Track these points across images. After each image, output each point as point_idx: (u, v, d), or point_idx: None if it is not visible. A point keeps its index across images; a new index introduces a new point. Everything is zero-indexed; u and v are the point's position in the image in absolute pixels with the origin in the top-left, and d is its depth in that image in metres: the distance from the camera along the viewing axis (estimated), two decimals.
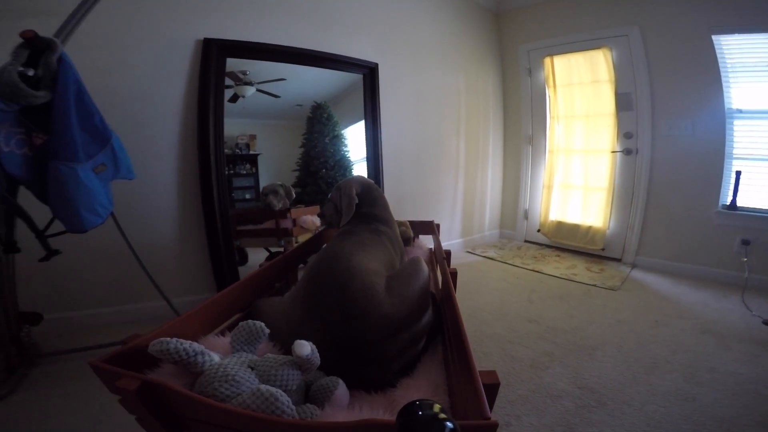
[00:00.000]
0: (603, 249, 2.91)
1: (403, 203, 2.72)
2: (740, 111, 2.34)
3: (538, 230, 3.30)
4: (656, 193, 2.68)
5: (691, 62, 2.44)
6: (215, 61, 1.79)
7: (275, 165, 2.48)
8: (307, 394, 0.65)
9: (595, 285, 2.36)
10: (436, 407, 0.38)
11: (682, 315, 1.95)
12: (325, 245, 1.13)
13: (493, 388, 0.52)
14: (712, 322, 1.87)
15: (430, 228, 1.77)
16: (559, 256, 3.02)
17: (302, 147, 2.52)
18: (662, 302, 2.13)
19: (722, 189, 2.41)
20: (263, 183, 2.40)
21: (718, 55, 2.34)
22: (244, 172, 2.22)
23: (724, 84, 2.35)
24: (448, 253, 1.32)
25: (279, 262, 1.20)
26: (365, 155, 2.56)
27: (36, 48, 1.09)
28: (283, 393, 0.52)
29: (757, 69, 2.26)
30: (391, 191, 2.60)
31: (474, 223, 3.39)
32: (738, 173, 2.35)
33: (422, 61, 2.78)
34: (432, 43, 2.84)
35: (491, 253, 3.09)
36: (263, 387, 0.52)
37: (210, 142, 1.81)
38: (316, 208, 2.34)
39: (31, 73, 1.06)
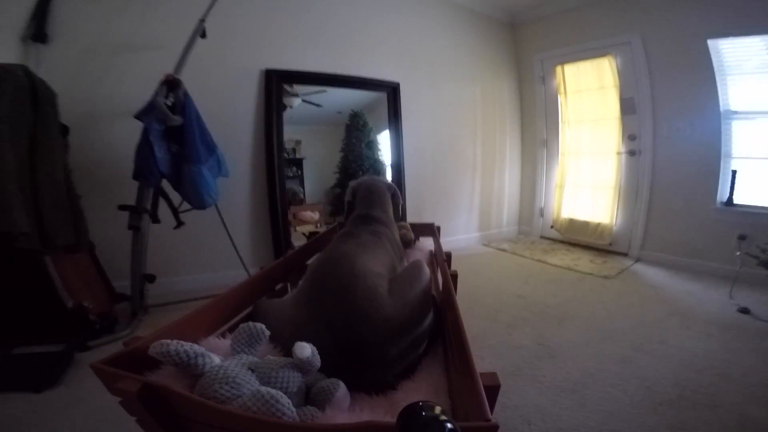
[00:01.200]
0: (610, 244, 3.11)
1: (422, 202, 3.12)
2: (735, 112, 2.48)
3: (552, 226, 3.54)
4: (658, 191, 2.85)
5: (688, 66, 2.60)
6: (275, 86, 2.34)
7: (318, 168, 2.99)
8: (308, 396, 0.65)
9: (591, 274, 2.61)
10: (437, 409, 0.38)
11: (661, 301, 2.17)
12: (326, 247, 1.15)
13: (493, 390, 0.52)
14: (687, 307, 2.06)
15: (430, 230, 1.78)
16: (568, 250, 3.25)
17: (342, 152, 2.95)
18: (649, 290, 2.34)
19: (720, 187, 2.55)
20: (308, 185, 2.95)
21: (713, 59, 2.48)
22: (291, 174, 2.77)
23: (719, 86, 2.49)
24: (449, 256, 1.34)
25: (279, 265, 1.22)
26: (390, 161, 3.00)
27: (171, 85, 1.68)
28: (283, 395, 0.52)
29: (750, 71, 2.39)
30: (412, 192, 3.01)
31: (492, 219, 3.70)
32: (734, 172, 2.48)
33: (439, 76, 3.16)
34: (448, 59, 3.21)
35: (505, 246, 3.40)
36: (264, 389, 0.52)
37: (274, 148, 2.37)
38: (315, 206, 2.89)
39: (170, 103, 1.64)
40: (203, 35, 1.83)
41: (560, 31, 3.34)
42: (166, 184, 1.76)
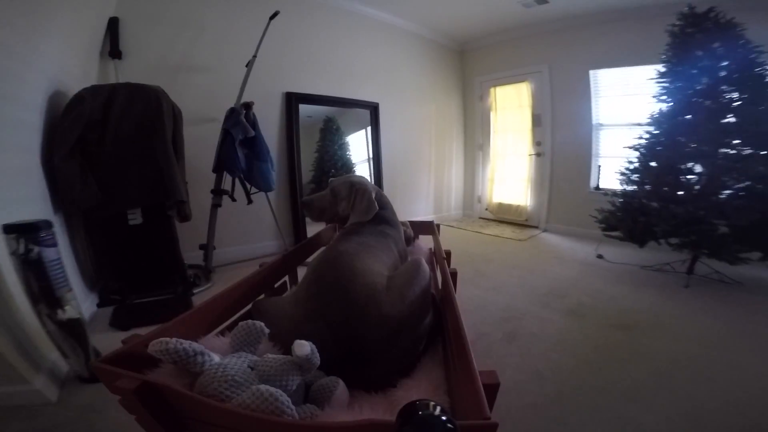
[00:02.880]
0: (526, 220, 4.25)
1: (394, 190, 4.01)
2: (602, 125, 3.65)
3: (486, 209, 4.64)
4: (556, 181, 4.00)
5: (576, 90, 3.67)
6: (294, 106, 3.07)
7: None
8: (307, 394, 0.64)
9: (511, 239, 3.69)
10: (436, 407, 0.39)
11: (551, 252, 3.27)
12: (327, 246, 1.12)
13: (492, 388, 0.52)
14: (566, 255, 3.18)
15: (430, 228, 1.78)
16: (498, 225, 4.35)
17: (317, 152, 3.38)
18: (546, 247, 3.45)
19: (592, 176, 3.73)
20: None
21: (591, 85, 3.58)
22: None
23: (593, 105, 3.61)
24: (449, 254, 1.32)
25: (278, 263, 1.20)
26: (371, 163, 3.76)
27: (248, 106, 2.38)
28: (282, 393, 0.51)
29: (611, 95, 3.52)
30: (388, 182, 3.88)
31: (443, 204, 4.72)
32: (599, 166, 3.68)
33: (407, 96, 4.07)
34: (413, 83, 4.12)
35: (453, 224, 4.43)
36: (263, 387, 0.51)
37: (294, 153, 3.07)
38: None
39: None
40: (247, 64, 2.54)
41: (495, 59, 4.37)
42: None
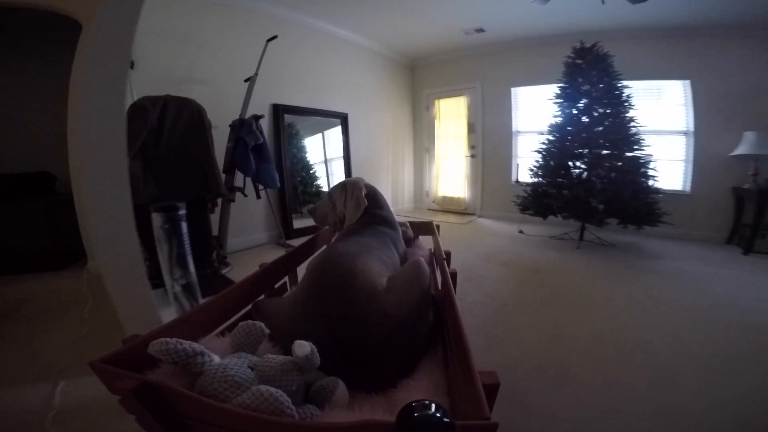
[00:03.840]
0: (465, 209, 5.20)
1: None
2: (519, 132, 4.72)
3: (433, 201, 5.53)
4: (486, 177, 4.99)
5: (501, 103, 4.67)
6: (281, 115, 3.55)
7: None
8: (307, 395, 0.64)
9: (454, 223, 4.58)
10: (437, 408, 0.39)
11: (486, 230, 4.21)
12: (326, 246, 1.10)
13: (493, 389, 0.52)
14: (496, 232, 4.13)
15: (429, 228, 1.79)
16: (443, 214, 5.23)
17: None
18: (482, 229, 4.39)
19: (513, 172, 4.77)
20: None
21: (513, 99, 4.60)
22: None
23: (513, 116, 4.64)
24: (448, 254, 1.33)
25: (278, 263, 1.19)
26: (344, 162, 4.32)
27: (257, 118, 2.83)
28: (282, 393, 0.51)
29: (526, 107, 4.58)
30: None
31: (398, 198, 5.49)
32: (518, 165, 4.75)
33: (369, 107, 4.74)
34: (375, 95, 4.81)
35: (407, 214, 5.22)
36: (263, 387, 0.52)
37: (282, 156, 3.55)
38: None
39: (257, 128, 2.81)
40: (247, 80, 3.00)
41: (439, 76, 5.22)
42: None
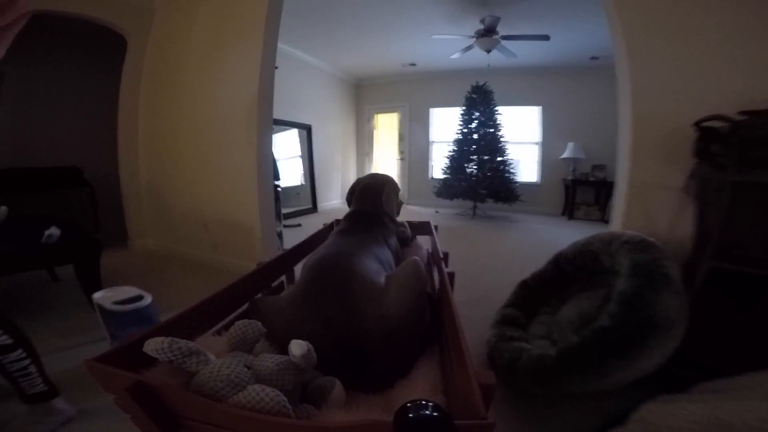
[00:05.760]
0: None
1: (323, 185, 5.82)
2: (433, 141, 6.37)
3: None
4: (412, 176, 6.51)
5: (422, 120, 6.20)
6: None
7: None
8: (304, 394, 0.63)
9: None
10: (434, 408, 0.38)
11: (412, 214, 5.72)
12: (322, 245, 1.08)
13: (489, 388, 0.51)
14: (421, 212, 5.70)
15: (427, 229, 1.76)
16: None
17: None
18: (410, 212, 5.88)
19: (430, 171, 6.40)
20: None
21: (431, 117, 6.16)
22: None
23: (431, 129, 6.23)
24: (446, 255, 1.33)
25: (275, 262, 1.17)
26: (308, 165, 5.45)
27: None
28: (279, 393, 0.51)
29: (438, 123, 6.20)
30: (318, 180, 5.69)
31: (345, 193, 6.79)
32: (433, 166, 6.40)
33: (327, 119, 5.86)
34: (330, 109, 5.95)
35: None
36: (259, 386, 0.51)
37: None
38: None
39: None
40: None
41: (378, 94, 6.55)
42: None
